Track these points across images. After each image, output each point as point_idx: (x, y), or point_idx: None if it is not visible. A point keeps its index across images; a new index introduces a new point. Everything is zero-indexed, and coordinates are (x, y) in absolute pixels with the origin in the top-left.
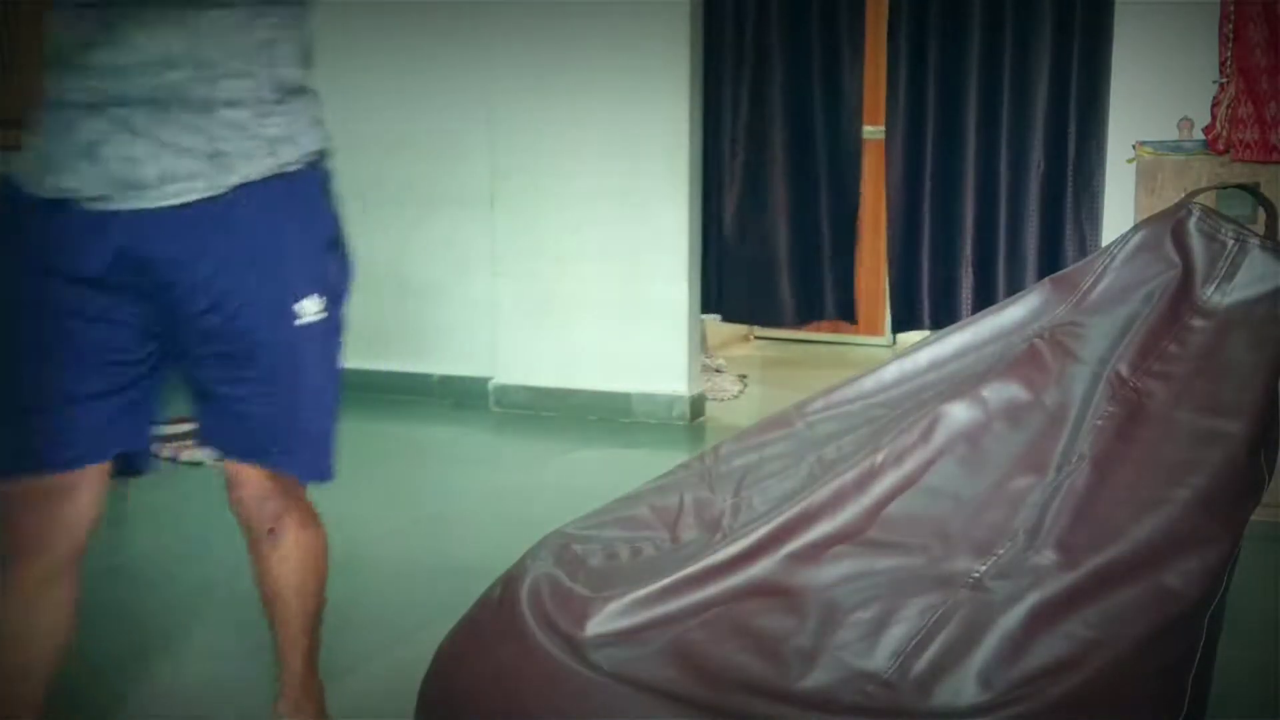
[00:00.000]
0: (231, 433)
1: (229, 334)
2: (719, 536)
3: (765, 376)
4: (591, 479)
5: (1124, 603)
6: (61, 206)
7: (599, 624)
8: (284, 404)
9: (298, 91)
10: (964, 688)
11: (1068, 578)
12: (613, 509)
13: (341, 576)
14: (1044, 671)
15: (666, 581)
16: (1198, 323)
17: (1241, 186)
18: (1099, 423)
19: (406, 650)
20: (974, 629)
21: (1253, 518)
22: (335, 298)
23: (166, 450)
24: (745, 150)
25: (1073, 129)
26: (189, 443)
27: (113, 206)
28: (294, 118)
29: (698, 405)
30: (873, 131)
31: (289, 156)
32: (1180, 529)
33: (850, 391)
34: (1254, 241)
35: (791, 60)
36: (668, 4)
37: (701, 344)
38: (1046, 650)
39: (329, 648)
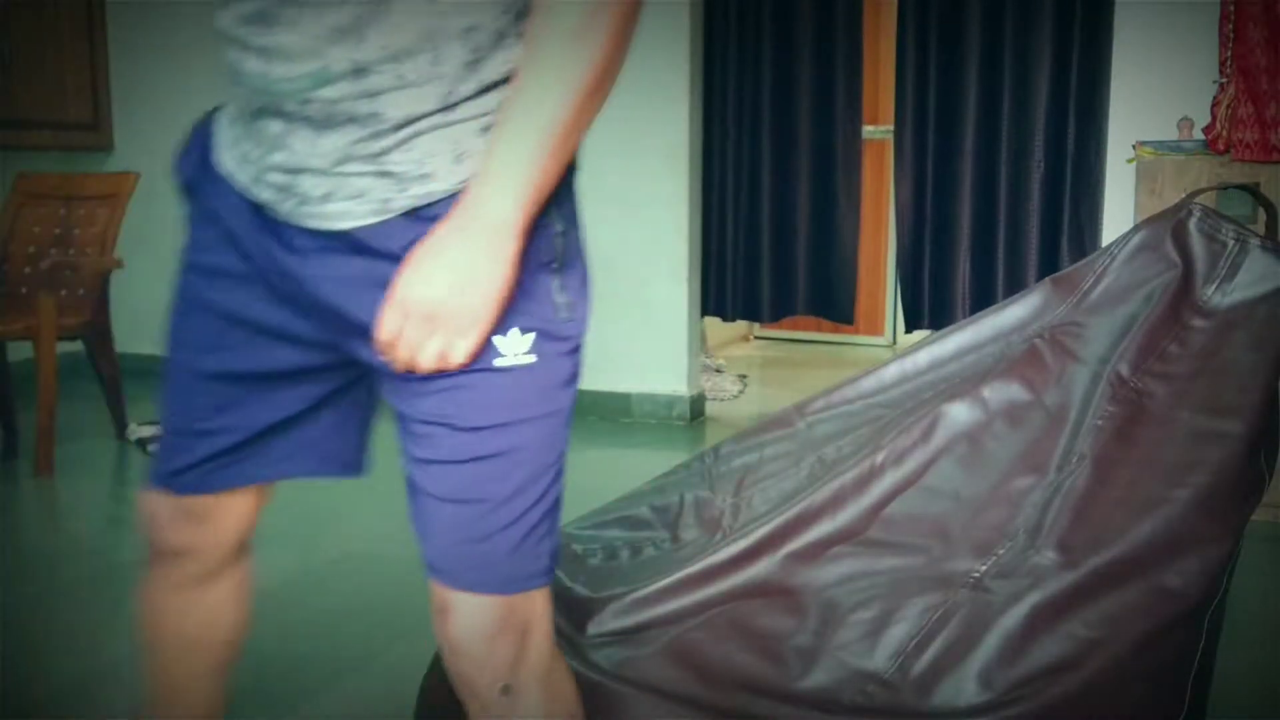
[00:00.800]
0: (417, 520)
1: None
2: (719, 536)
3: (765, 376)
4: (591, 479)
5: (1124, 603)
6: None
7: (599, 624)
8: (471, 476)
9: (501, 83)
10: (964, 688)
11: (1068, 578)
12: (613, 509)
13: (342, 576)
14: (1044, 671)
15: (666, 581)
16: (1198, 323)
17: (1242, 187)
18: (1099, 423)
19: (407, 649)
20: (974, 629)
21: (1253, 518)
22: (554, 338)
23: None
24: (745, 150)
25: (1072, 129)
26: None
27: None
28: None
29: (698, 405)
30: (872, 131)
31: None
32: (1180, 529)
33: (850, 391)
34: (1254, 242)
35: (791, 61)
36: (668, 4)
37: (701, 344)
38: (1047, 650)
39: (330, 647)
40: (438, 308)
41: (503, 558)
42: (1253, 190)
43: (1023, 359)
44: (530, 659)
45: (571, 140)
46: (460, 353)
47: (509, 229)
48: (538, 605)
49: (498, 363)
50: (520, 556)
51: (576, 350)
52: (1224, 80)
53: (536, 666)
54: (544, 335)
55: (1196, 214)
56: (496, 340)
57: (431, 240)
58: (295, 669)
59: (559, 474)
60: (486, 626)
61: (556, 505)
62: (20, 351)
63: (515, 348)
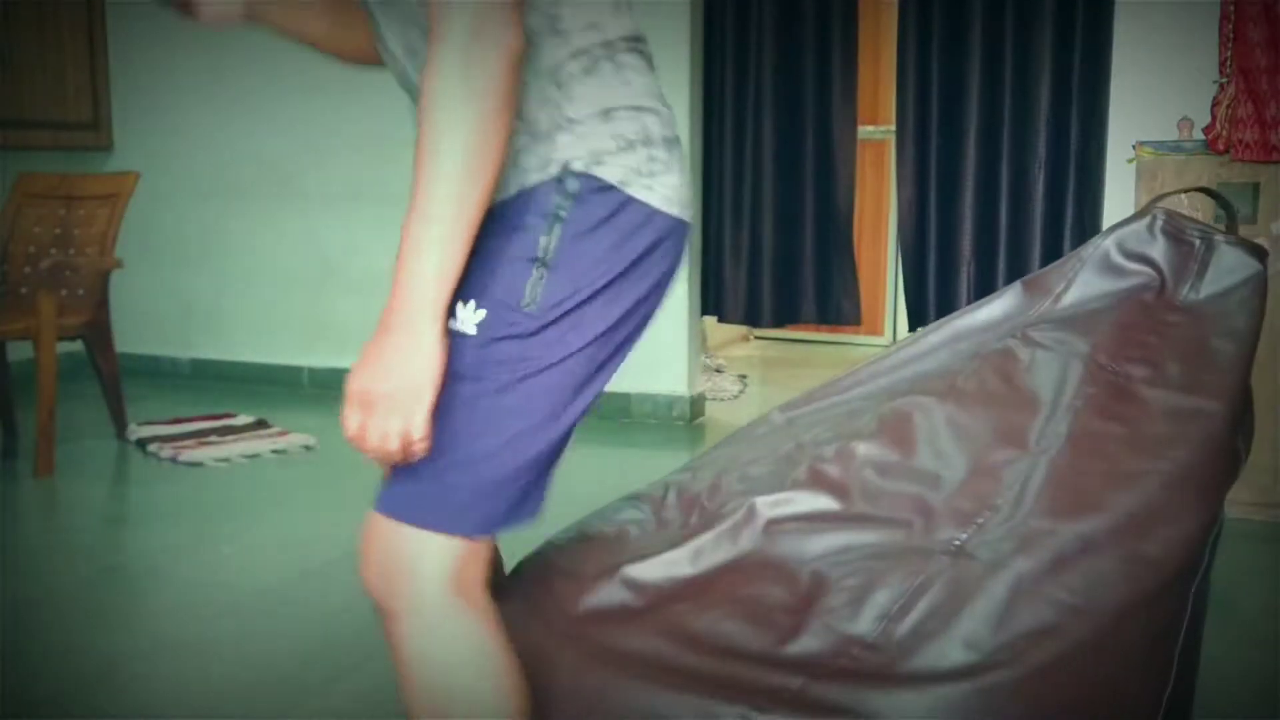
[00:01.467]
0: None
1: None
2: (696, 514)
3: (765, 376)
4: (591, 479)
5: (1104, 570)
6: None
7: (585, 601)
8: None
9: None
10: (948, 651)
11: (1049, 544)
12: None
13: (343, 575)
14: (1026, 636)
15: (653, 558)
16: (1174, 318)
17: (1204, 190)
18: (1078, 403)
19: None
20: (957, 594)
21: (1253, 517)
22: (505, 321)
23: (166, 450)
24: (744, 151)
25: (1073, 129)
26: (189, 443)
27: None
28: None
29: (698, 405)
30: (872, 132)
31: (528, 171)
32: (1159, 500)
33: (830, 389)
34: (1219, 238)
35: (790, 62)
36: (668, 4)
37: (701, 344)
38: (1030, 616)
39: (330, 647)
40: (373, 396)
41: (399, 485)
42: (1213, 193)
43: (996, 353)
44: (411, 593)
45: (471, 199)
46: (415, 429)
47: (424, 312)
48: (431, 549)
49: (450, 324)
50: (418, 494)
51: (531, 336)
52: (1224, 80)
53: (417, 604)
54: (494, 315)
55: (1161, 217)
56: (458, 305)
57: (372, 338)
58: (295, 669)
59: (481, 443)
60: (373, 540)
61: (476, 469)
62: (20, 351)
63: (466, 317)
